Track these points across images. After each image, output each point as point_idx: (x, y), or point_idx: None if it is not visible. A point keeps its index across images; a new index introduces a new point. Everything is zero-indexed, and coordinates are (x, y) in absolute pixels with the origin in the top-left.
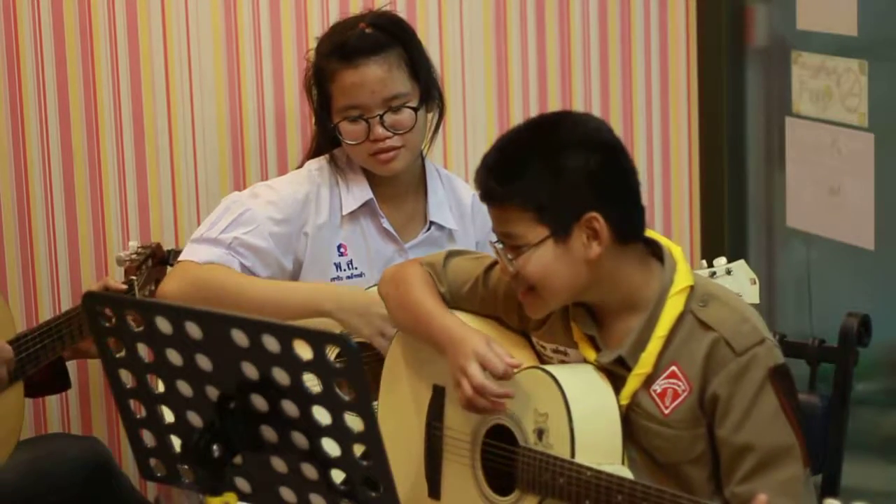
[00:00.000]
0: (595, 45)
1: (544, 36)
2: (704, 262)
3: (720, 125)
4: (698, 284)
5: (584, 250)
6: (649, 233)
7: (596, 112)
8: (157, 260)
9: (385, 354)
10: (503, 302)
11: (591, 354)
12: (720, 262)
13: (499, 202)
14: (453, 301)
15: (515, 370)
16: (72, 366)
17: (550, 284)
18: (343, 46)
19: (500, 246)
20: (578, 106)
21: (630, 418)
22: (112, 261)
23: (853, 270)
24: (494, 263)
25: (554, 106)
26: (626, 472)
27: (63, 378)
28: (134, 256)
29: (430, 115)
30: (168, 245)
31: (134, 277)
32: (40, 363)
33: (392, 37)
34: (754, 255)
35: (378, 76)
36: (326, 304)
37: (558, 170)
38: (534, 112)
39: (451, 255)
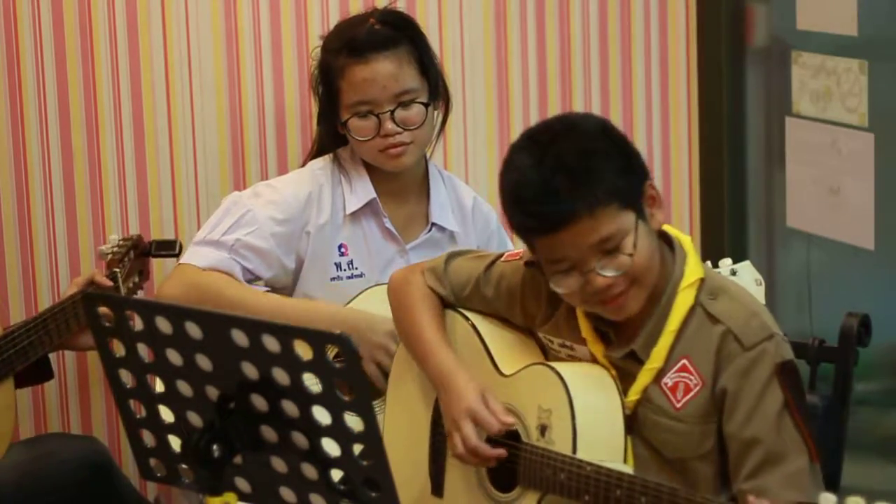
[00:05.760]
0: (595, 45)
1: (544, 36)
2: (709, 263)
3: (720, 125)
4: (708, 277)
5: (653, 221)
6: None
7: (596, 112)
8: (140, 252)
9: (375, 381)
10: (506, 300)
11: (598, 350)
12: (725, 262)
13: (588, 212)
14: (457, 303)
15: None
16: (71, 366)
17: (652, 266)
18: (353, 42)
19: (599, 266)
20: (578, 106)
21: (639, 413)
22: None
23: (853, 270)
24: (494, 262)
25: (554, 106)
26: (628, 469)
27: (45, 369)
28: (115, 249)
29: (436, 114)
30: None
31: (117, 270)
32: (29, 359)
33: (401, 33)
34: (754, 255)
35: (389, 71)
36: (321, 324)
37: (612, 151)
38: (534, 112)
39: (452, 256)
